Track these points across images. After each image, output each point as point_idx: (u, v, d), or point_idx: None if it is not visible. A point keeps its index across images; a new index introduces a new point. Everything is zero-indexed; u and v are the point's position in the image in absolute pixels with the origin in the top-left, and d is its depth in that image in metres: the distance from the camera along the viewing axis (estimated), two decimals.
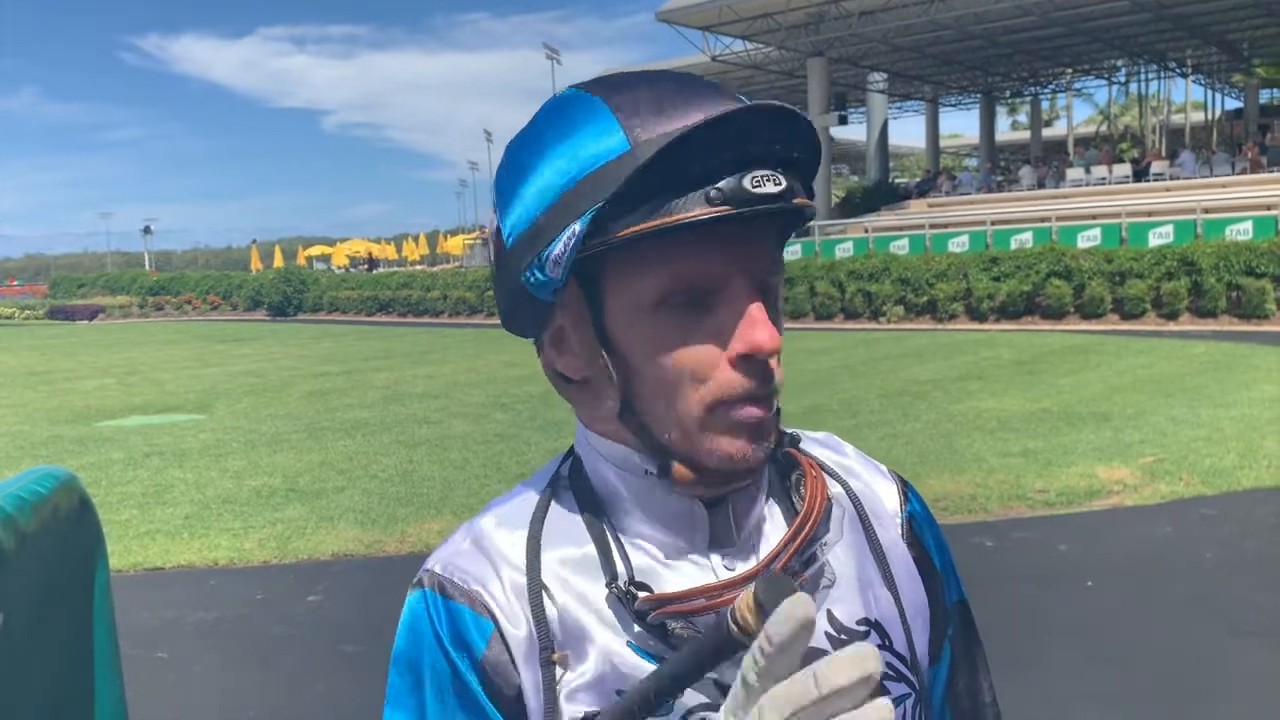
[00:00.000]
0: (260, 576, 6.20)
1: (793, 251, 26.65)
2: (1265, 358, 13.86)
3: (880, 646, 0.85)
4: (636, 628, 0.79)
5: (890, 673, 0.85)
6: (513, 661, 0.81)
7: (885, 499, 0.94)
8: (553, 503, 0.87)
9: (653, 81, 0.79)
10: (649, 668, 0.78)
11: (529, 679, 0.80)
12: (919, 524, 0.95)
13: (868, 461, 0.98)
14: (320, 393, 14.95)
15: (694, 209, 0.73)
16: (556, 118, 0.80)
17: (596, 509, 0.85)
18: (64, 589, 1.59)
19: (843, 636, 0.84)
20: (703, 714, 0.79)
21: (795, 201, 0.76)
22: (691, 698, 0.79)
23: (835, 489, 0.90)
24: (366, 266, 51.76)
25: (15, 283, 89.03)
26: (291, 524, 7.21)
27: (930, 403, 11.34)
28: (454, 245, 54.66)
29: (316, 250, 63.10)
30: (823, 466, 0.91)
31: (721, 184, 0.73)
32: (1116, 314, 20.71)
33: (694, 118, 0.74)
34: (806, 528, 0.81)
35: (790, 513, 0.86)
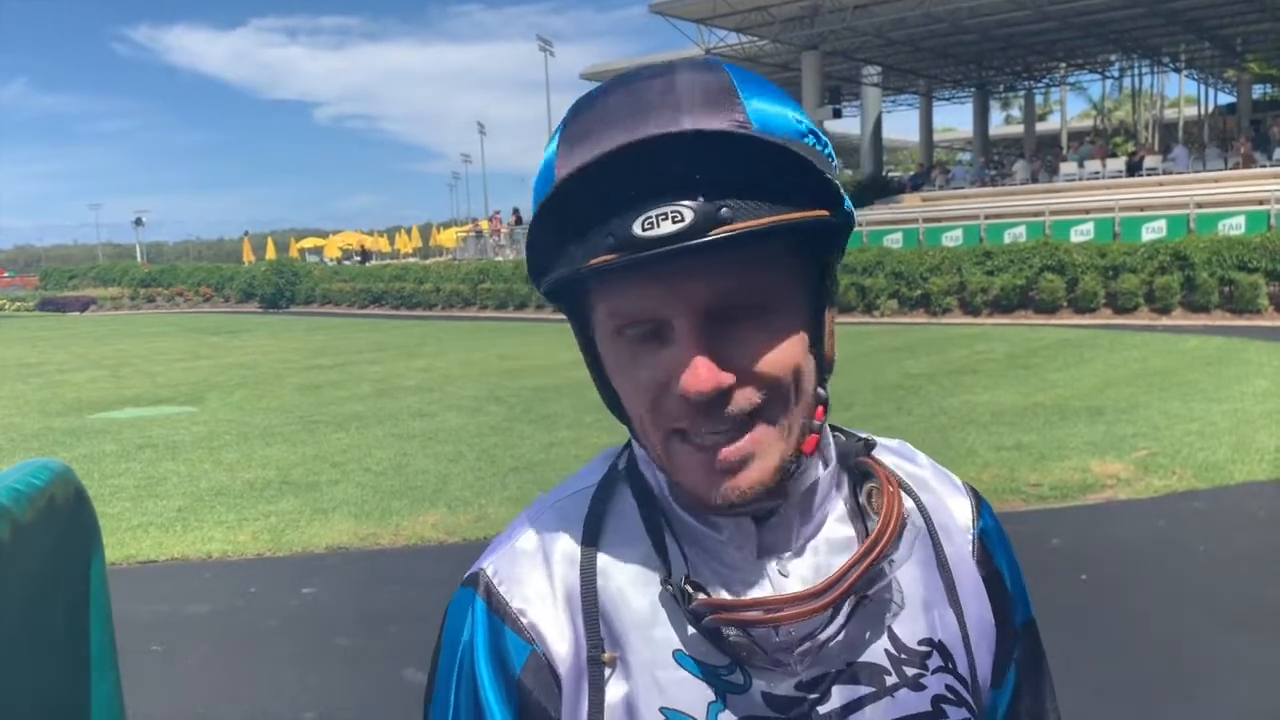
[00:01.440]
0: (254, 569, 6.18)
1: None
2: (1257, 352, 13.89)
3: (941, 669, 0.83)
4: (690, 630, 0.78)
5: (950, 696, 0.83)
6: (555, 679, 0.80)
7: (957, 514, 0.90)
8: (609, 496, 0.85)
9: (607, 99, 0.75)
10: (691, 682, 0.77)
11: (571, 690, 0.79)
12: (991, 541, 0.91)
13: (941, 473, 0.94)
14: (313, 385, 14.93)
15: (585, 258, 0.71)
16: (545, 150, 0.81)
17: (651, 505, 0.83)
18: (60, 580, 1.58)
19: (903, 656, 0.82)
20: None
21: (713, 235, 0.68)
22: (735, 713, 0.78)
23: (907, 504, 0.86)
24: (359, 259, 51.64)
25: (6, 274, 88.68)
26: (285, 516, 7.19)
27: (924, 396, 11.36)
28: (447, 238, 54.50)
29: (309, 242, 62.90)
30: (889, 480, 0.87)
31: (612, 227, 0.69)
32: (1109, 308, 20.76)
33: (611, 143, 0.70)
34: (878, 548, 0.78)
35: (858, 521, 0.84)
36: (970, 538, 0.90)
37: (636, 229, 0.68)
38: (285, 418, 11.80)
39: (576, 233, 0.71)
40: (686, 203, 0.68)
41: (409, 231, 59.07)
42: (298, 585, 5.85)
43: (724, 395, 0.74)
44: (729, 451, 0.75)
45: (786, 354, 0.76)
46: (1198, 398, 10.30)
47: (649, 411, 0.77)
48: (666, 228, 0.68)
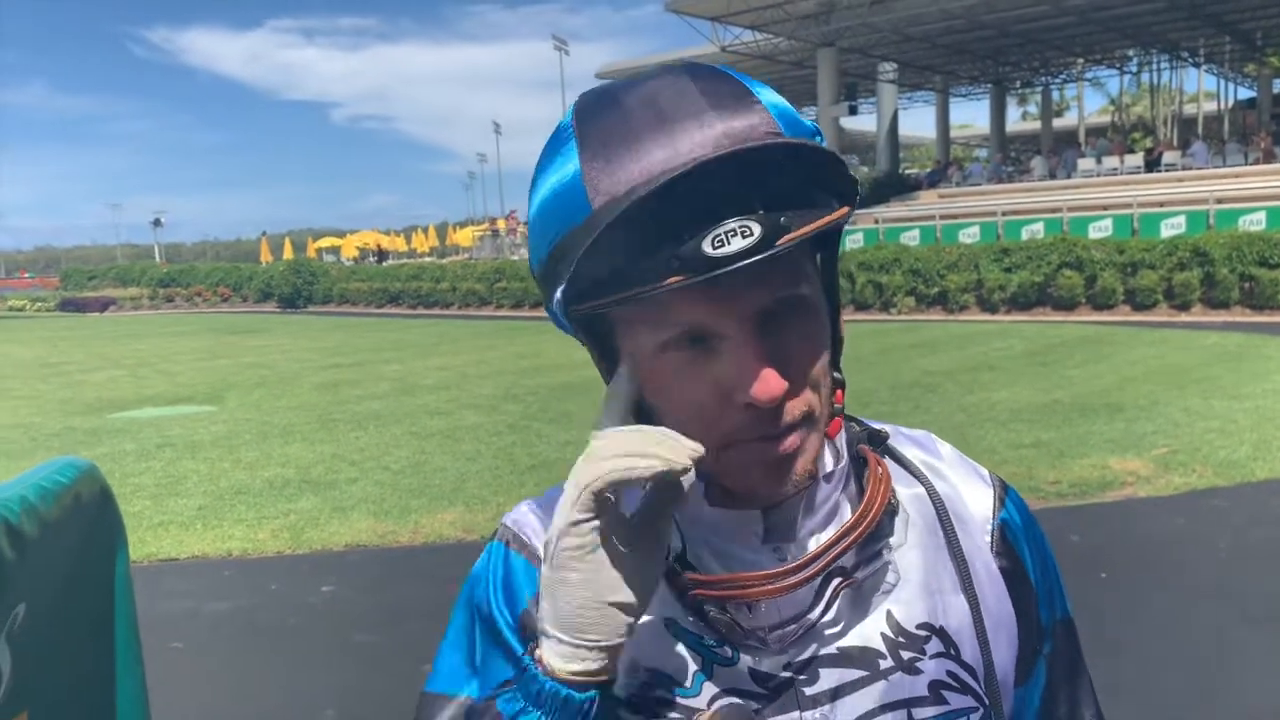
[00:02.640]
0: (274, 567, 6.22)
1: None
2: (1278, 349, 13.79)
3: (943, 655, 0.83)
4: (678, 604, 0.81)
5: (952, 683, 0.83)
6: None
7: (974, 504, 0.90)
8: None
9: (626, 111, 0.74)
10: (681, 649, 0.81)
11: None
12: (1013, 533, 0.91)
13: (964, 464, 0.94)
14: (331, 384, 14.99)
15: (655, 279, 0.70)
16: (546, 150, 0.79)
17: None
18: (86, 577, 1.60)
19: (900, 640, 0.82)
20: (730, 700, 0.80)
21: (779, 244, 0.69)
22: (719, 684, 0.80)
23: (914, 490, 0.88)
24: (376, 258, 51.83)
25: (26, 275, 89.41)
26: (304, 515, 7.23)
27: (942, 394, 11.32)
28: (463, 237, 54.73)
29: (326, 242, 63.20)
30: (907, 466, 0.89)
31: (681, 250, 0.69)
32: (1128, 305, 20.62)
33: (655, 161, 0.71)
34: (857, 531, 0.79)
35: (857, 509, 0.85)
36: (989, 529, 0.90)
37: (707, 247, 0.68)
38: (304, 416, 11.86)
39: (635, 254, 0.71)
40: (752, 217, 0.69)
41: (425, 231, 59.30)
42: (317, 583, 5.88)
43: (783, 399, 0.75)
44: (785, 446, 0.77)
45: (820, 348, 0.79)
46: (1218, 395, 10.23)
47: (701, 425, 0.76)
48: (737, 244, 0.69)
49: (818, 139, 0.77)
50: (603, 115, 0.76)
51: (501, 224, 47.61)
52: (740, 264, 0.69)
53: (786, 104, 0.77)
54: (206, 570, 6.21)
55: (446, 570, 5.84)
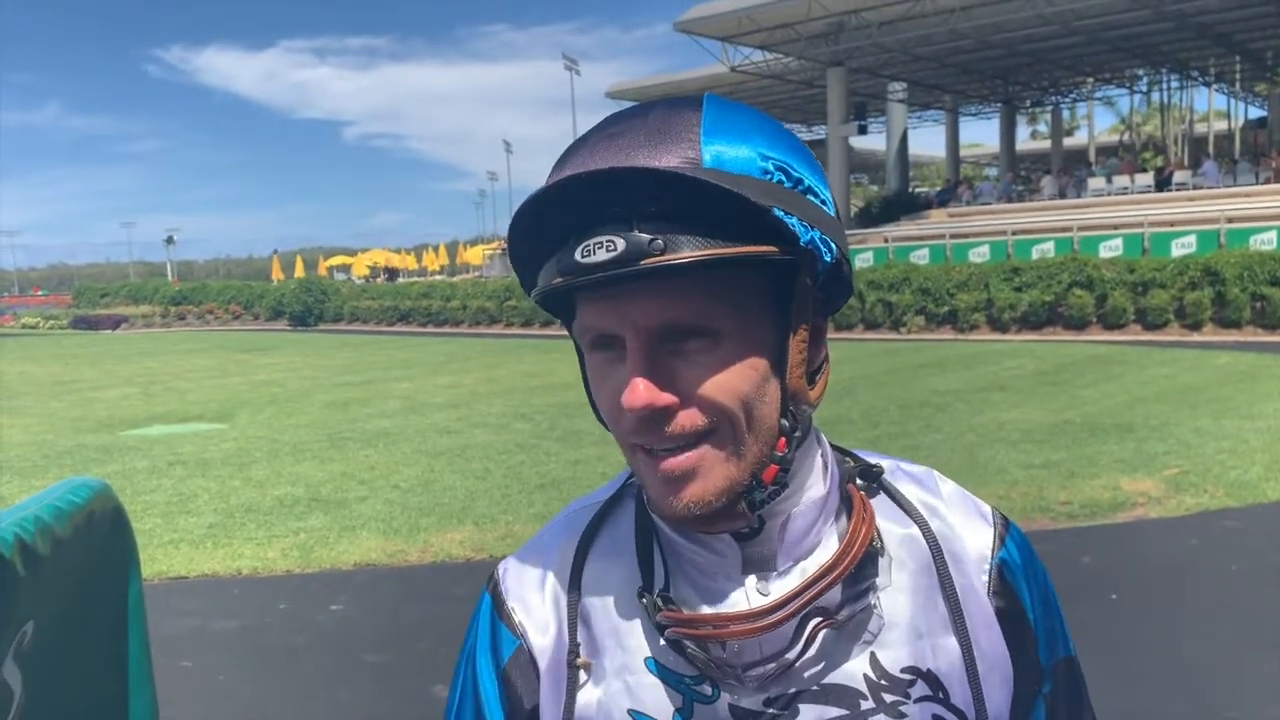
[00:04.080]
0: (283, 585, 6.22)
1: None
2: None
3: (929, 698, 0.83)
4: (661, 641, 0.83)
5: None
6: (535, 673, 0.87)
7: (971, 544, 0.89)
8: (611, 511, 0.92)
9: (590, 134, 0.81)
10: (660, 688, 0.83)
11: (549, 686, 0.86)
12: (1012, 573, 0.89)
13: (966, 501, 0.92)
14: (341, 402, 15.02)
15: (545, 281, 0.79)
16: None
17: (647, 520, 0.88)
18: (99, 595, 1.61)
19: (883, 682, 0.83)
20: None
21: (642, 264, 0.72)
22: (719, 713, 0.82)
23: (907, 531, 0.87)
24: (387, 276, 52.01)
25: (40, 292, 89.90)
26: (314, 533, 7.24)
27: (952, 414, 11.29)
28: (474, 255, 54.90)
29: (337, 260, 63.44)
30: (902, 504, 0.89)
31: (560, 253, 0.77)
32: (1139, 324, 20.58)
33: (565, 174, 0.77)
34: (834, 573, 0.80)
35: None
36: (987, 568, 0.88)
37: (577, 255, 0.75)
38: (314, 434, 11.89)
39: (541, 255, 0.79)
40: (621, 234, 0.73)
41: (436, 249, 59.50)
42: (326, 602, 5.88)
43: (665, 414, 0.77)
44: (670, 464, 0.79)
45: (734, 381, 0.78)
46: (1230, 415, 10.18)
47: (613, 423, 0.82)
48: (600, 255, 0.74)
49: (772, 178, 0.78)
50: (578, 140, 0.82)
51: None
52: (596, 275, 0.74)
53: (748, 147, 0.78)
54: (216, 588, 6.22)
55: (456, 589, 5.85)
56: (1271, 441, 8.78)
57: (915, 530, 0.88)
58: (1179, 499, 7.12)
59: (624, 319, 0.77)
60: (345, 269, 59.46)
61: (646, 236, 0.73)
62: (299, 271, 54.08)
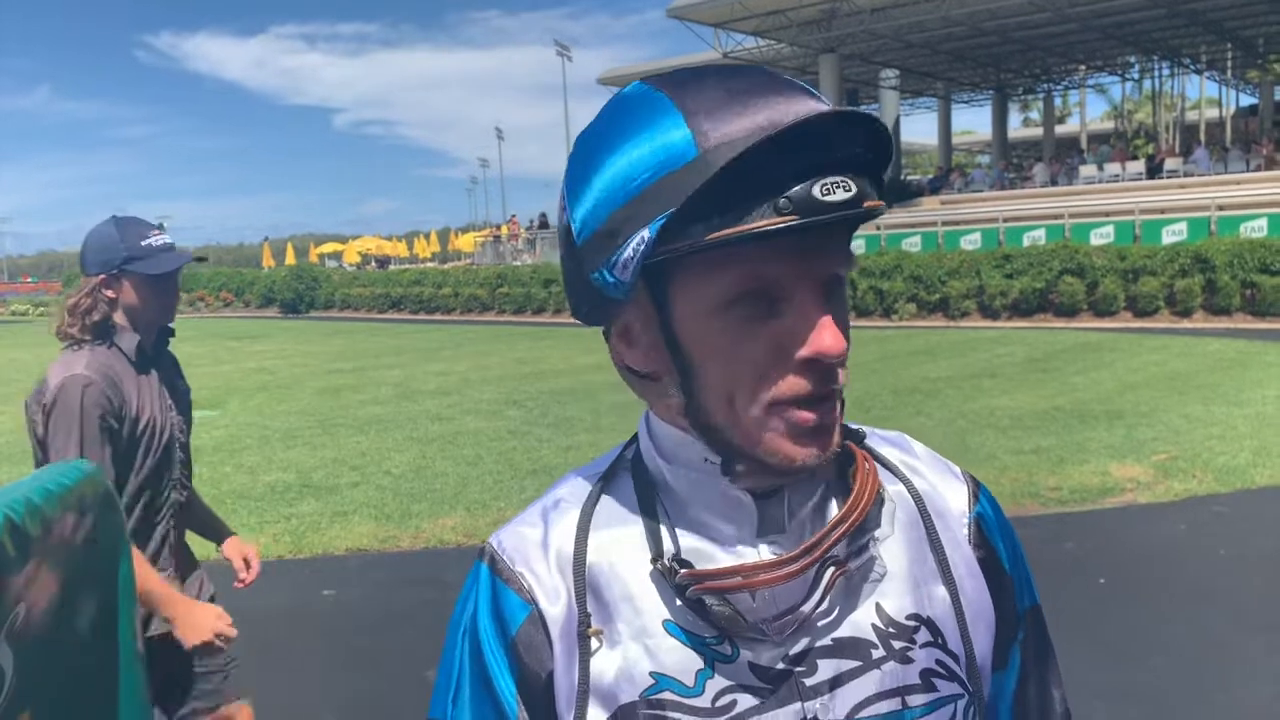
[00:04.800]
0: (275, 572, 6.21)
1: None
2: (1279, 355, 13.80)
3: (930, 644, 0.85)
4: (677, 602, 0.82)
5: (940, 671, 0.85)
6: (548, 640, 0.85)
7: (951, 499, 0.93)
8: (610, 483, 0.90)
9: (722, 77, 0.78)
10: (681, 650, 0.82)
11: (563, 654, 0.84)
12: (988, 527, 0.94)
13: (938, 461, 0.97)
14: (333, 389, 15.01)
15: (762, 218, 0.73)
16: (624, 116, 0.80)
17: (650, 493, 0.87)
18: (89, 578, 1.61)
19: (890, 630, 0.84)
20: (733, 695, 0.81)
21: (865, 205, 0.75)
22: (723, 679, 0.81)
23: (895, 487, 0.90)
24: (378, 264, 51.86)
25: (29, 279, 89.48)
26: (306, 519, 7.25)
27: (942, 400, 11.33)
28: (465, 242, 54.70)
29: (328, 247, 63.24)
30: (886, 465, 0.92)
31: (791, 192, 0.72)
32: (1130, 311, 20.62)
33: (762, 118, 0.74)
34: (852, 517, 0.81)
35: (843, 500, 0.86)
36: (966, 522, 0.92)
37: (817, 192, 0.72)
38: (305, 421, 11.88)
39: (747, 194, 0.73)
40: (851, 176, 0.74)
41: (427, 236, 59.25)
42: (319, 587, 5.89)
43: (839, 362, 0.79)
44: (830, 413, 0.80)
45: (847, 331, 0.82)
46: (1219, 401, 10.24)
47: (757, 384, 0.79)
48: (840, 195, 0.73)
49: None
50: (693, 83, 0.78)
51: (504, 229, 47.62)
52: (842, 213, 0.73)
53: None
54: (207, 574, 6.21)
55: (447, 575, 5.86)
56: (1259, 428, 8.83)
57: (901, 487, 0.91)
58: (1167, 485, 7.16)
59: (803, 267, 0.77)
60: (336, 256, 59.25)
61: (864, 182, 0.75)
62: (290, 259, 53.88)
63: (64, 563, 1.52)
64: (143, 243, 2.59)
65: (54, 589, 1.47)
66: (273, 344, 25.26)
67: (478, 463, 8.97)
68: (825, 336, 0.77)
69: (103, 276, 2.57)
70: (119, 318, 2.61)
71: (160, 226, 2.74)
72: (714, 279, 0.77)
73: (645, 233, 0.75)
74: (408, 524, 7.01)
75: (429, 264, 49.13)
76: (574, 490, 0.92)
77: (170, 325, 2.81)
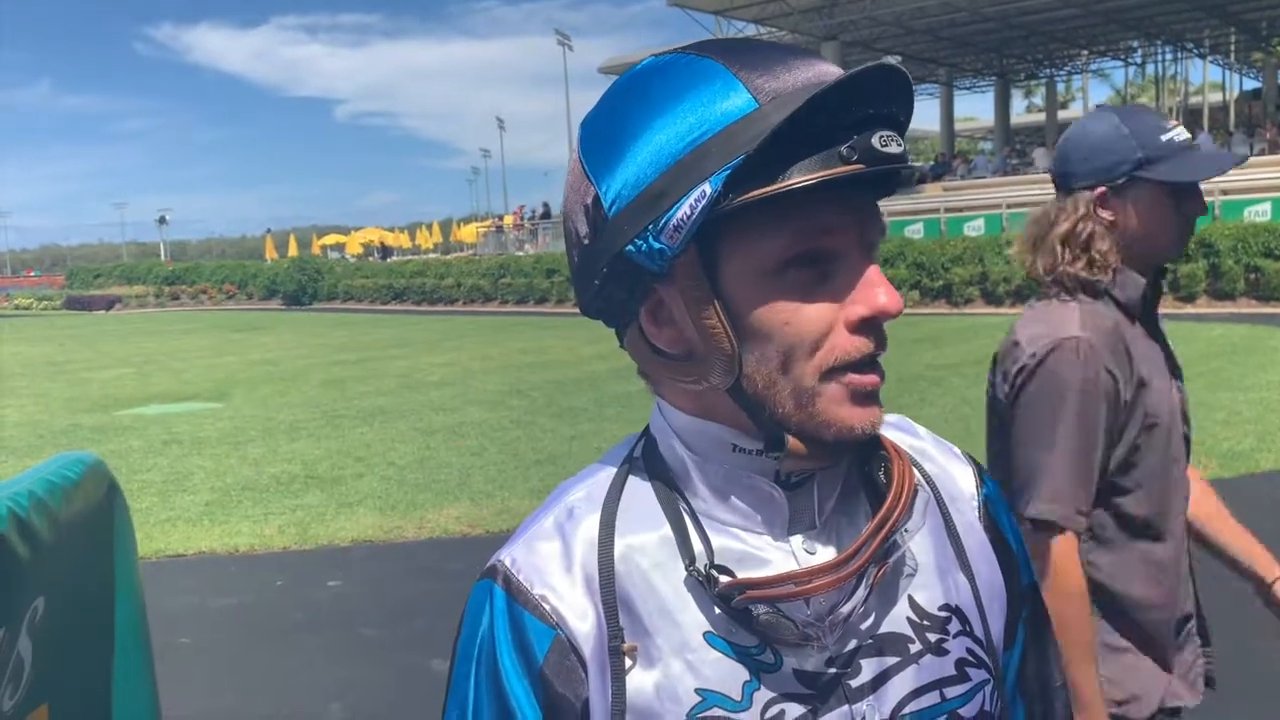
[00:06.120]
0: (280, 562, 6.25)
1: None
2: None
3: (961, 633, 0.84)
4: (717, 611, 0.78)
5: (970, 659, 0.84)
6: (581, 662, 0.79)
7: (961, 482, 0.92)
8: (627, 484, 0.84)
9: (755, 45, 0.78)
10: (725, 662, 0.78)
11: (597, 674, 0.79)
12: (994, 506, 0.93)
13: (941, 444, 0.95)
14: (337, 381, 15.02)
15: (824, 168, 0.72)
16: (667, 79, 0.77)
17: (672, 491, 0.83)
18: (95, 570, 1.62)
19: (925, 623, 0.83)
20: (781, 705, 0.78)
21: (912, 163, 0.75)
22: (769, 690, 0.78)
23: (915, 474, 0.86)
24: (381, 255, 51.82)
25: (32, 273, 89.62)
26: (311, 510, 7.26)
27: (946, 387, 11.32)
28: (467, 233, 54.59)
29: (331, 239, 63.13)
30: (897, 451, 0.87)
31: (854, 141, 0.72)
32: None
33: (811, 74, 0.75)
34: (895, 515, 0.78)
35: (873, 495, 0.83)
36: (976, 504, 0.92)
37: (876, 143, 0.72)
38: (310, 413, 11.89)
39: (807, 146, 0.72)
40: (895, 131, 0.75)
41: (430, 227, 59.17)
42: (324, 578, 5.90)
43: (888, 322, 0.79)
44: (879, 376, 0.79)
45: None
46: (1223, 386, 10.21)
47: (808, 349, 0.76)
48: (894, 148, 0.73)
49: None
50: (734, 48, 0.78)
51: (507, 220, 47.56)
52: (900, 165, 0.74)
53: None
54: (213, 566, 6.24)
55: (452, 565, 5.87)
56: (1264, 413, 8.82)
57: (918, 474, 0.88)
58: None
59: (856, 226, 0.77)
60: (339, 248, 59.16)
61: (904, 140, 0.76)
62: (293, 251, 53.88)
63: (73, 554, 1.52)
64: (1162, 138, 1.90)
65: (64, 582, 1.48)
66: (276, 336, 25.28)
67: (482, 453, 8.98)
68: (881, 294, 0.76)
69: (1100, 190, 1.90)
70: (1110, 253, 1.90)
71: (1167, 119, 2.02)
72: (765, 238, 0.75)
73: (706, 187, 0.72)
74: (412, 514, 7.02)
75: (431, 255, 49.08)
76: (588, 495, 0.85)
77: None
